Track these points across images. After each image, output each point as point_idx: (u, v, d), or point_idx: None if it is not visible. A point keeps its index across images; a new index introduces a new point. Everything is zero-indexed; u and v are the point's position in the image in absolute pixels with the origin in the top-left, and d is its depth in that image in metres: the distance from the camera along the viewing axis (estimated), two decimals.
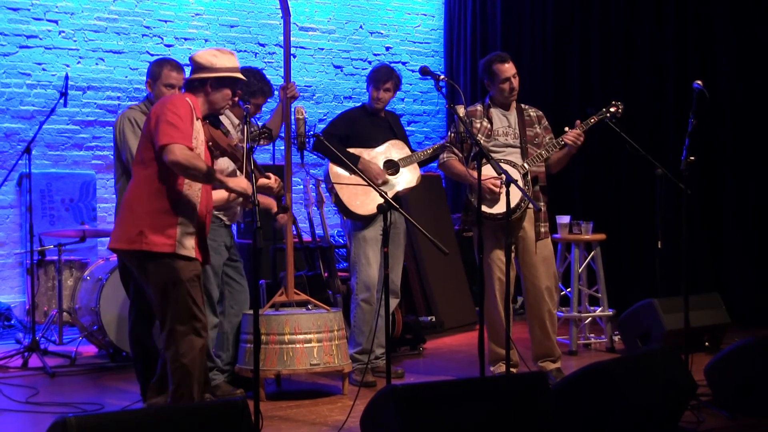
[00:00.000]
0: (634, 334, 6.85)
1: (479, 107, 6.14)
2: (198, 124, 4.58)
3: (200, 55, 4.70)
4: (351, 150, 6.19)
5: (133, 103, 9.18)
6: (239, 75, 4.74)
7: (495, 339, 6.09)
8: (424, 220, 7.86)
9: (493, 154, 5.93)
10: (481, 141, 6.00)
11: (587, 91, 9.53)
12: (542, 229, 6.03)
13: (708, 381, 5.22)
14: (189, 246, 4.56)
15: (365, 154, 6.24)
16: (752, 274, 8.38)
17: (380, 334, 6.21)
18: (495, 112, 6.09)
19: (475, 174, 5.63)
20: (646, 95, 9.08)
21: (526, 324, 6.20)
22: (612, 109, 5.99)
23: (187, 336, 4.53)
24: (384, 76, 6.35)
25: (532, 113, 6.16)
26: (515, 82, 6.04)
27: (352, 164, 6.06)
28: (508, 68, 6.04)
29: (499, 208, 5.85)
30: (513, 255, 6.03)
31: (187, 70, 4.92)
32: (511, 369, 5.88)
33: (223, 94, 4.69)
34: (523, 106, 6.18)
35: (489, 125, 6.05)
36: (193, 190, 4.58)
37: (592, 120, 5.97)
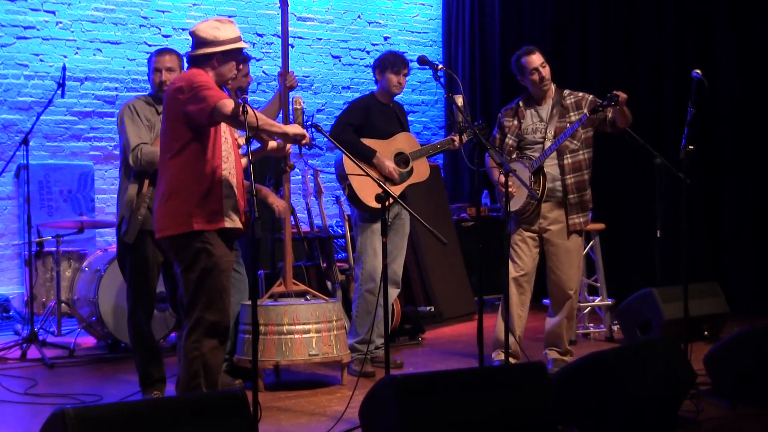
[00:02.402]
0: (634, 324, 6.85)
1: (513, 106, 6.17)
2: None
3: (202, 29, 4.62)
4: (365, 141, 6.18)
5: (133, 93, 9.23)
6: (242, 44, 4.71)
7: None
8: (423, 211, 7.82)
9: (524, 152, 6.03)
10: (512, 140, 6.08)
11: (586, 87, 9.47)
12: (570, 221, 6.01)
13: (707, 370, 5.22)
14: (235, 218, 4.63)
15: (378, 145, 6.21)
16: (751, 263, 8.38)
17: (380, 324, 6.21)
18: (528, 110, 6.09)
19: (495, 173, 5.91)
20: (645, 93, 9.06)
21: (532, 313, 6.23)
22: (605, 102, 5.85)
23: (212, 327, 4.53)
24: (402, 62, 6.39)
25: (569, 101, 6.08)
26: (544, 71, 6.02)
27: (368, 157, 6.07)
28: (535, 59, 6.02)
29: (513, 205, 5.96)
30: (536, 244, 6.06)
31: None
32: (510, 359, 5.89)
33: (229, 66, 4.68)
34: (565, 93, 6.12)
35: (518, 124, 6.08)
36: (230, 162, 4.63)
37: (586, 113, 5.91)
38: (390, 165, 6.21)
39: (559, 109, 6.04)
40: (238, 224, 4.66)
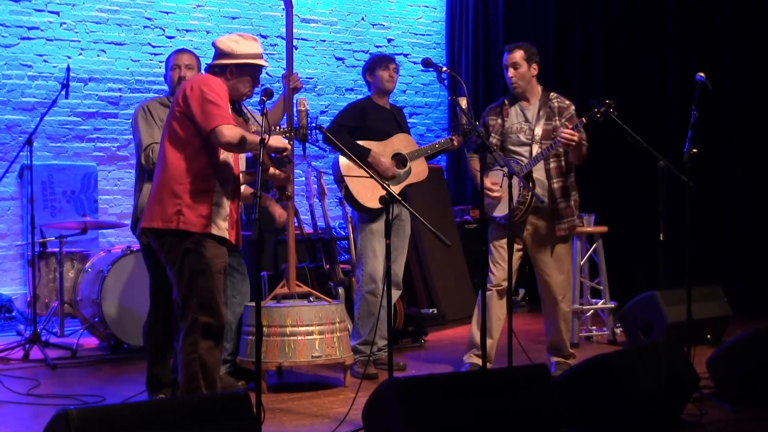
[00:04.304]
0: (636, 327, 6.84)
1: (498, 104, 6.09)
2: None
3: (222, 41, 4.67)
4: (361, 142, 6.18)
5: (137, 95, 9.24)
6: (260, 61, 4.69)
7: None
8: (427, 212, 7.85)
9: (509, 154, 5.95)
10: (496, 139, 5.99)
11: (588, 86, 9.50)
12: (556, 227, 5.91)
13: (710, 373, 5.22)
14: (222, 227, 4.58)
15: (374, 146, 6.23)
16: (754, 265, 8.37)
17: (382, 326, 6.21)
18: (513, 108, 6.01)
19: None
20: (647, 92, 9.05)
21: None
22: (602, 109, 5.69)
23: (208, 328, 4.52)
24: (387, 58, 6.46)
25: (555, 104, 6.00)
26: (513, 72, 5.95)
27: (363, 156, 6.07)
28: (507, 56, 5.97)
29: (500, 211, 5.90)
30: (521, 248, 5.98)
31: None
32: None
33: (244, 81, 4.67)
34: (551, 95, 6.05)
35: (501, 122, 6.00)
36: (227, 171, 4.61)
37: (583, 120, 5.78)
38: (385, 162, 6.21)
39: (546, 111, 5.96)
40: (225, 234, 4.60)
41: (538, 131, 5.91)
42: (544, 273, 5.99)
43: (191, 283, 4.50)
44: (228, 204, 4.63)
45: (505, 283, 5.93)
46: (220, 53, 4.66)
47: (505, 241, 5.94)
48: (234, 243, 4.73)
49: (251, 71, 4.68)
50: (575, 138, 5.66)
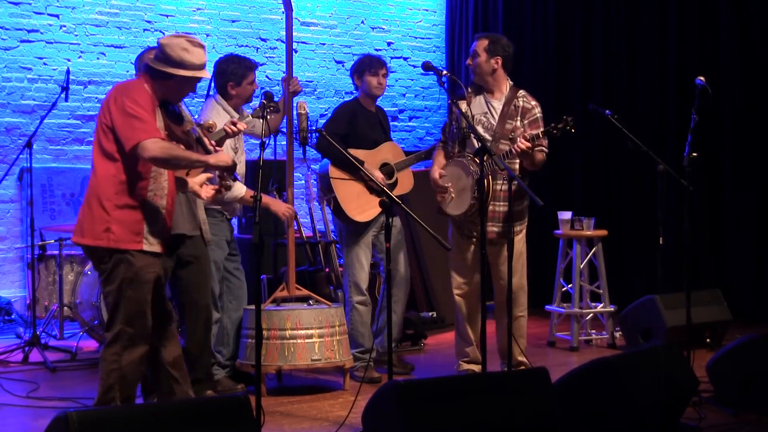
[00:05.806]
0: (636, 331, 6.85)
1: (465, 95, 5.88)
2: (157, 112, 4.46)
3: (170, 47, 4.44)
4: (352, 152, 6.13)
5: None
6: (205, 74, 4.54)
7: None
8: (425, 215, 7.78)
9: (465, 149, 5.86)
10: (452, 125, 5.93)
11: (588, 88, 9.50)
12: (494, 229, 5.78)
13: (710, 377, 5.22)
14: (155, 242, 4.48)
15: (364, 156, 6.18)
16: (754, 270, 8.37)
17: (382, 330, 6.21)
18: (478, 98, 5.85)
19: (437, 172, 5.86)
20: (648, 93, 9.05)
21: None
22: (560, 125, 5.59)
23: (133, 340, 4.46)
24: (378, 63, 6.36)
25: (520, 103, 5.83)
26: (470, 60, 5.85)
27: (356, 169, 6.02)
28: (474, 46, 5.87)
29: (456, 209, 5.87)
30: (474, 245, 5.90)
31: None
32: (474, 366, 5.83)
33: (183, 92, 4.57)
34: (519, 93, 5.86)
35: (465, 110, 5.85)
36: (159, 182, 4.48)
37: (540, 134, 5.63)
38: (378, 176, 6.16)
39: (510, 109, 5.81)
40: (156, 249, 4.49)
41: (499, 128, 5.80)
42: (498, 277, 5.90)
43: (119, 293, 4.42)
44: (162, 214, 4.52)
45: (465, 287, 5.93)
46: (165, 58, 4.44)
47: (464, 243, 5.92)
48: (163, 251, 4.62)
49: (193, 83, 4.56)
50: (529, 151, 5.59)
